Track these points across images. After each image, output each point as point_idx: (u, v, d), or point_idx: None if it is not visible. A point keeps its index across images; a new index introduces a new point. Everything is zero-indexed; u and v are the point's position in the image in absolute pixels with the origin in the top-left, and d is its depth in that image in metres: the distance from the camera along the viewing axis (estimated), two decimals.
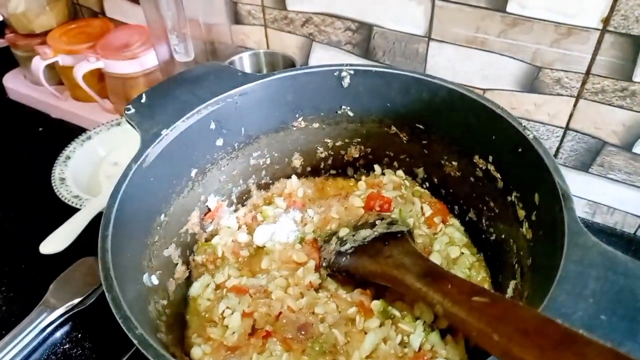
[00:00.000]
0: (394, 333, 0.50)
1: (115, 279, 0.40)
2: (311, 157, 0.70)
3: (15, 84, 1.13)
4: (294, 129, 0.67)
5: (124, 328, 0.37)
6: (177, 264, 0.58)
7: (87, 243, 0.70)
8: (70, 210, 0.74)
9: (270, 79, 0.61)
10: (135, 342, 0.36)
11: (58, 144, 0.90)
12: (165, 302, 0.52)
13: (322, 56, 0.89)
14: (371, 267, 0.52)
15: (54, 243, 0.65)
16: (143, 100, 0.58)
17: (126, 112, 0.56)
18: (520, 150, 0.50)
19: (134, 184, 0.50)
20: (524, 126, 0.50)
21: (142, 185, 0.51)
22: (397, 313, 0.52)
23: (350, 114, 0.65)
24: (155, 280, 0.51)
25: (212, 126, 0.59)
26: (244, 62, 0.91)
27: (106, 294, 0.39)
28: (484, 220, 0.60)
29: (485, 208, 0.59)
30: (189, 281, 0.59)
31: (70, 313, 0.67)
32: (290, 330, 0.50)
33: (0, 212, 0.86)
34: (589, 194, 0.77)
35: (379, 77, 0.61)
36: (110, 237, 0.44)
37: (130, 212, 0.48)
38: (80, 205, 0.75)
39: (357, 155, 0.70)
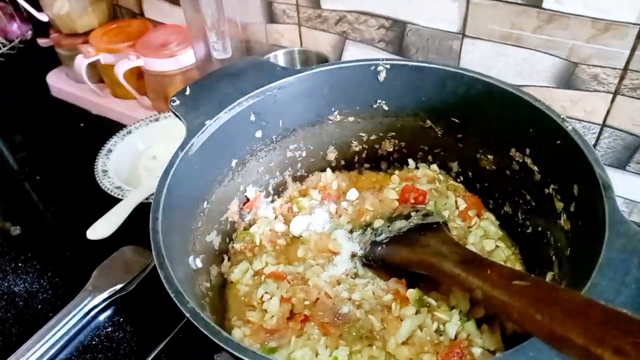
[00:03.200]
0: (429, 321, 0.51)
1: (166, 257, 0.42)
2: (346, 150, 0.72)
3: (58, 82, 1.17)
4: (330, 122, 0.68)
5: (176, 302, 0.38)
6: (217, 250, 0.59)
7: (126, 233, 0.73)
8: (112, 200, 0.77)
9: (307, 73, 0.63)
10: (187, 315, 0.38)
11: (98, 139, 0.93)
12: (208, 284, 0.54)
13: (355, 54, 0.91)
14: (408, 255, 0.53)
15: (100, 229, 0.68)
16: (187, 93, 0.60)
17: (172, 103, 0.59)
18: (558, 142, 0.51)
19: (180, 171, 0.52)
20: (563, 118, 0.51)
21: (188, 173, 0.53)
22: (432, 302, 0.52)
23: (385, 108, 0.66)
24: (199, 263, 0.53)
25: (252, 118, 0.61)
26: (279, 60, 0.93)
27: (159, 271, 0.41)
28: (519, 214, 0.60)
29: (521, 201, 0.59)
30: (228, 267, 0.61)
31: (113, 298, 0.70)
32: (328, 316, 0.51)
33: (46, 202, 0.91)
34: (626, 192, 0.76)
35: (415, 71, 0.62)
36: (160, 219, 0.46)
37: (177, 197, 0.50)
38: (122, 196, 0.78)
39: (391, 149, 0.71)
